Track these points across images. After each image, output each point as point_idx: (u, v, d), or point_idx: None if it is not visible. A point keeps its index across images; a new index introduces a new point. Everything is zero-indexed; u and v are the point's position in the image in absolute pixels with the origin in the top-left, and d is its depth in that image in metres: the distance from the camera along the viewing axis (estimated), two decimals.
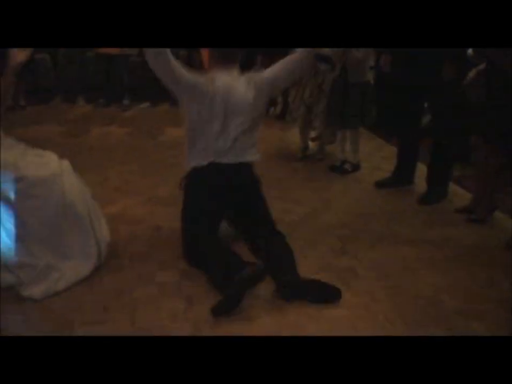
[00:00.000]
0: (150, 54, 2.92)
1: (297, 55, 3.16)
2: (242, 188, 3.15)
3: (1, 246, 2.83)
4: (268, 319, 2.63)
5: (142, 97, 6.57)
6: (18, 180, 2.82)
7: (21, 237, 2.82)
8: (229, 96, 3.07)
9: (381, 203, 4.04)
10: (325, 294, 2.77)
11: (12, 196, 2.82)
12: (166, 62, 2.94)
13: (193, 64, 5.45)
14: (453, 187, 4.23)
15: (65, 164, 3.01)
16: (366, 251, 3.29)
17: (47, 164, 2.93)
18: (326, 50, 3.17)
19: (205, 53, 3.67)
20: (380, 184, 4.32)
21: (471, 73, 3.73)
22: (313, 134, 5.09)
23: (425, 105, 4.18)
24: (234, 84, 3.10)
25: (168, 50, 2.91)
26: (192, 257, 3.07)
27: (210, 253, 2.95)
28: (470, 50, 3.82)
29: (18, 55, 2.86)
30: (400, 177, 4.31)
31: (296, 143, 5.15)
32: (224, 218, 3.23)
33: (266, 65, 3.59)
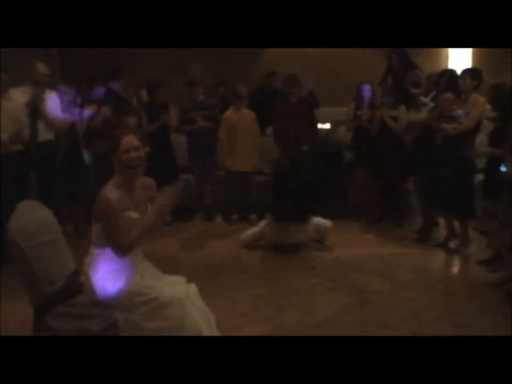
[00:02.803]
0: None
1: None
2: None
3: None
4: None
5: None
6: (146, 303, 2.89)
7: None
8: None
9: None
10: None
11: (139, 317, 2.88)
12: None
13: None
14: None
15: (192, 288, 3.05)
16: None
17: (174, 287, 2.97)
18: None
19: None
20: None
21: None
22: None
23: None
24: None
25: None
26: None
27: None
28: None
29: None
30: None
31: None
32: None
33: None
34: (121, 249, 2.89)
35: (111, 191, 2.90)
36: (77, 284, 3.13)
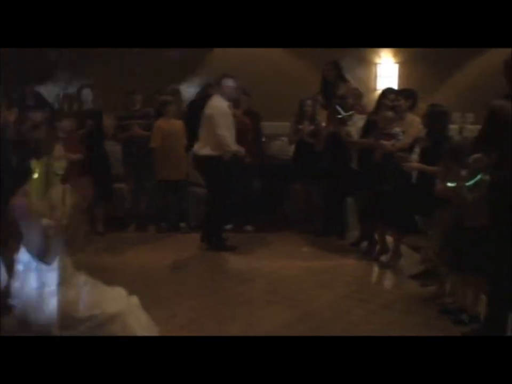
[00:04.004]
0: None
1: None
2: None
3: None
4: None
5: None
6: (87, 319, 2.80)
7: None
8: None
9: None
10: None
11: (78, 333, 2.77)
12: None
13: None
14: None
15: (134, 300, 3.00)
16: None
17: (115, 300, 2.92)
18: None
19: None
20: None
21: None
22: None
23: None
24: None
25: None
26: None
27: None
28: None
29: (83, 192, 2.98)
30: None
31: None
32: None
33: None
34: (42, 256, 2.79)
35: (22, 199, 2.81)
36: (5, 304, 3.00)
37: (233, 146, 5.64)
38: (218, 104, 5.70)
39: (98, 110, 6.50)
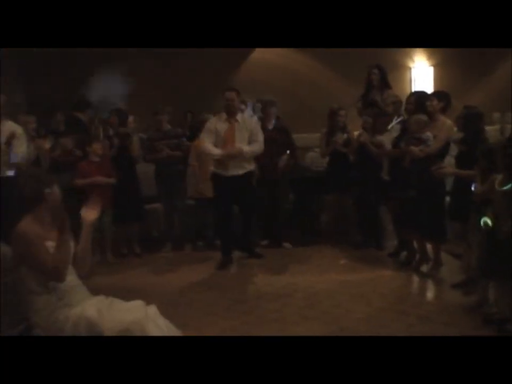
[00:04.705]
0: None
1: None
2: None
3: None
4: None
5: None
6: (107, 331, 2.80)
7: None
8: None
9: None
10: None
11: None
12: None
13: None
14: None
15: (152, 309, 3.01)
16: None
17: (130, 311, 2.94)
18: None
19: None
20: None
21: None
22: None
23: None
24: None
25: None
26: None
27: None
28: None
29: (89, 215, 3.05)
30: None
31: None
32: None
33: None
34: (56, 271, 2.80)
35: (28, 225, 2.85)
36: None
37: (215, 151, 5.78)
38: (207, 122, 5.97)
39: (128, 132, 6.55)
